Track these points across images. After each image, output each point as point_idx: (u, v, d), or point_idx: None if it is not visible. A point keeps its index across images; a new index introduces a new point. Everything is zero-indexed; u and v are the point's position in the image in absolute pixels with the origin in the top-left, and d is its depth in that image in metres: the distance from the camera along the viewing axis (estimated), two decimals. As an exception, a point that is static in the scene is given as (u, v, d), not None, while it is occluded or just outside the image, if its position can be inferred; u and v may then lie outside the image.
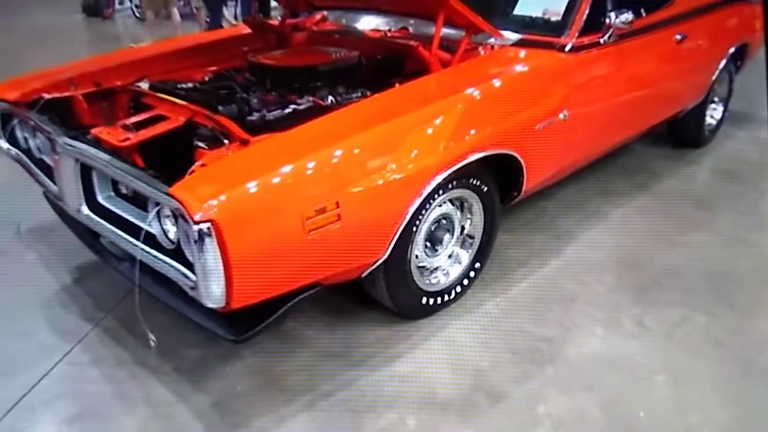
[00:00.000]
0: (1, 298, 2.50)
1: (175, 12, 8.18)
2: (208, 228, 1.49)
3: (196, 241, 1.51)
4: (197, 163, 1.77)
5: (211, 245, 1.50)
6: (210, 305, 1.61)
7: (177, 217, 1.62)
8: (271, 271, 1.65)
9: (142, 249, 1.75)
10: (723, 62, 3.80)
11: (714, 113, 4.22)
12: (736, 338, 2.28)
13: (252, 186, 1.61)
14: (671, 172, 3.79)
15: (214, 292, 1.58)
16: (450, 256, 2.40)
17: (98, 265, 2.67)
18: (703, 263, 2.77)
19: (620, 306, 2.46)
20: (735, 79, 4.24)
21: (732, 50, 3.84)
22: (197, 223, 1.48)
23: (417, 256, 2.22)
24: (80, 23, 10.28)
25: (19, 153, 2.54)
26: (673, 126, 4.06)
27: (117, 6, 10.74)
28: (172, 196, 1.56)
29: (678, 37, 3.20)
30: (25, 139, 2.53)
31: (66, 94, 2.48)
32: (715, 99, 4.16)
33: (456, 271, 2.40)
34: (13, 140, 2.58)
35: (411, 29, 2.86)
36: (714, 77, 3.79)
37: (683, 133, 4.11)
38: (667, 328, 2.33)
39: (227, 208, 1.54)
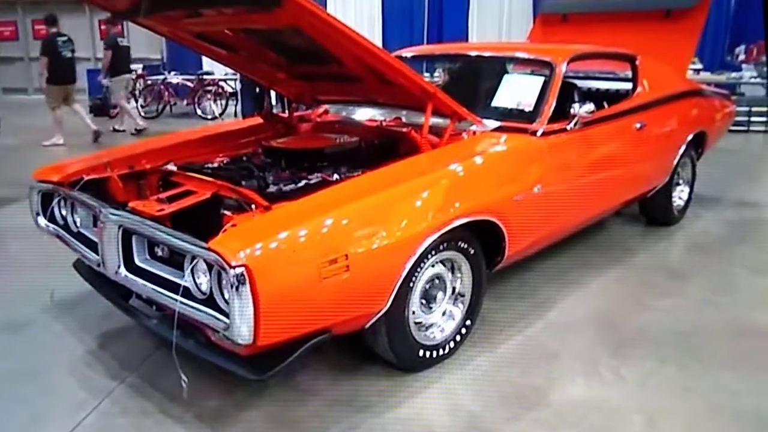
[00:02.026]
0: (33, 360, 2.72)
1: (123, 103, 8.90)
2: (243, 273, 1.78)
3: (233, 285, 1.79)
4: (228, 224, 2.08)
5: (244, 288, 1.79)
6: (240, 342, 1.86)
7: (212, 267, 1.92)
8: (291, 313, 1.93)
9: (181, 301, 2.02)
10: (683, 148, 4.25)
11: (681, 194, 4.65)
12: (704, 385, 2.53)
13: (277, 240, 1.94)
14: (645, 247, 4.14)
15: (243, 332, 1.85)
16: (444, 314, 2.68)
17: (121, 332, 2.93)
18: (673, 323, 3.05)
19: (598, 359, 2.71)
20: (697, 164, 4.68)
21: (690, 137, 4.30)
22: (233, 267, 1.78)
23: (414, 312, 2.49)
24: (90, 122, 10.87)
25: (57, 228, 2.84)
26: (644, 206, 4.47)
27: (123, 106, 11.40)
28: (210, 249, 1.87)
29: (637, 125, 3.66)
30: (63, 216, 2.85)
31: (103, 175, 2.83)
32: (680, 181, 4.59)
33: (450, 326, 2.67)
34: (50, 218, 2.89)
35: (403, 119, 3.29)
36: (675, 161, 4.22)
37: (654, 213, 4.50)
38: (641, 378, 2.58)
39: (257, 257, 1.84)
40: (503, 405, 2.38)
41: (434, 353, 2.59)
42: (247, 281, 1.79)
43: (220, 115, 10.60)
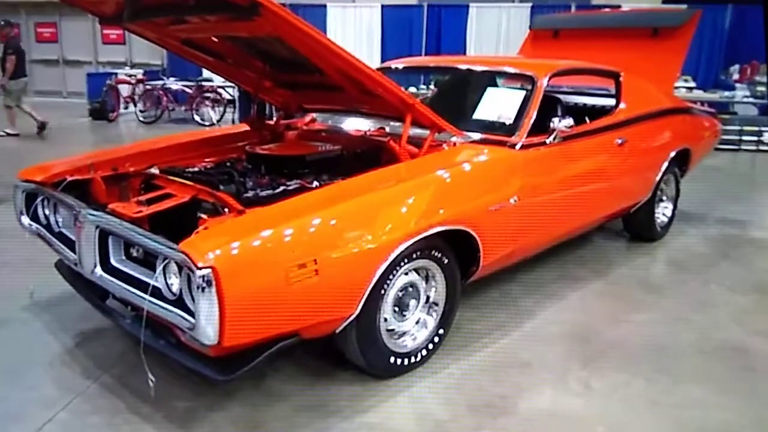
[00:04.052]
0: (10, 358, 2.75)
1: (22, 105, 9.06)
2: (209, 274, 1.82)
3: (199, 286, 1.83)
4: (201, 227, 2.12)
5: (210, 289, 1.83)
6: (206, 342, 1.90)
7: (182, 268, 1.96)
8: (258, 316, 1.96)
9: (150, 300, 2.06)
10: (665, 164, 4.30)
11: (665, 211, 4.69)
12: (670, 399, 2.56)
13: (245, 243, 1.97)
14: (626, 262, 4.19)
15: (209, 332, 1.88)
16: (417, 322, 2.71)
17: (98, 332, 2.97)
18: (647, 338, 3.09)
19: (569, 371, 2.74)
20: (681, 181, 4.73)
21: (673, 154, 4.35)
22: (200, 269, 1.82)
23: (386, 319, 2.53)
24: (86, 126, 10.98)
25: (39, 227, 2.88)
26: (627, 222, 4.52)
27: (122, 110, 11.49)
28: (179, 250, 1.90)
29: (618, 141, 3.71)
30: (46, 215, 2.89)
31: (86, 176, 2.87)
32: (664, 198, 4.64)
33: (422, 335, 2.70)
34: (33, 217, 2.93)
35: (387, 129, 3.34)
36: (658, 177, 4.27)
37: (637, 228, 4.55)
38: (609, 390, 2.61)
39: (225, 259, 1.88)
40: (470, 413, 2.41)
41: (406, 361, 2.62)
42: (214, 282, 1.83)
43: (218, 121, 10.66)
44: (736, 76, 10.45)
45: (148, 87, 11.35)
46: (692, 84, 10.23)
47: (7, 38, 9.10)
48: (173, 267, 2.05)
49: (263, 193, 2.51)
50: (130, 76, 11.88)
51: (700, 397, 2.57)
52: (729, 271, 4.04)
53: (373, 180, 2.51)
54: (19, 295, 3.15)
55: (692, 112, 4.89)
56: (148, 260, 2.27)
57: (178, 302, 2.04)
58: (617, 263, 4.13)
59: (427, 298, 2.73)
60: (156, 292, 2.10)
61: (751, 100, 9.60)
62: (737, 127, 9.04)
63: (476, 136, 3.08)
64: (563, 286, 3.66)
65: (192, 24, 2.62)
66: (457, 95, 3.90)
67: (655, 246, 4.52)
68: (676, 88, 10.05)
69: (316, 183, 2.73)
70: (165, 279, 2.10)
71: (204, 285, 1.83)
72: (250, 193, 2.49)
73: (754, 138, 9.11)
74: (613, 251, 4.37)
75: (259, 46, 2.87)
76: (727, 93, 9.78)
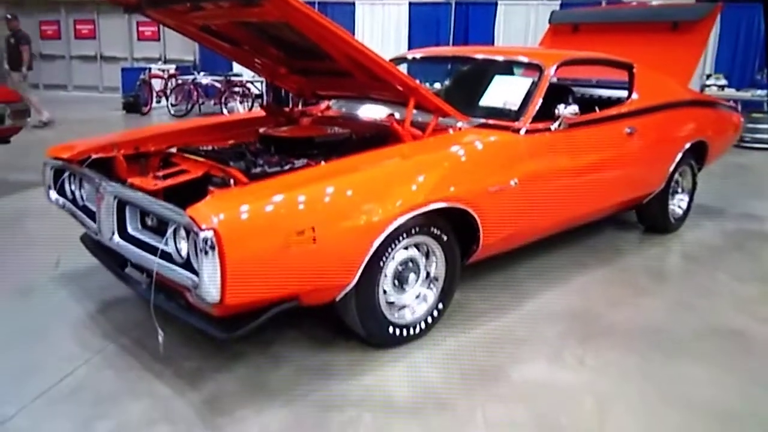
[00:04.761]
0: (36, 320, 2.96)
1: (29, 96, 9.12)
2: (212, 235, 1.97)
3: (202, 247, 1.98)
4: (207, 197, 2.28)
5: (212, 250, 1.98)
6: (209, 300, 2.05)
7: (189, 232, 2.11)
8: (258, 277, 2.10)
9: (158, 262, 2.22)
10: (679, 156, 4.31)
11: (680, 203, 4.69)
12: (663, 375, 2.62)
13: (247, 209, 2.12)
14: (636, 252, 4.22)
15: (212, 290, 2.03)
16: (417, 296, 2.82)
17: (119, 300, 3.16)
18: (647, 321, 3.14)
19: (565, 347, 2.82)
20: (698, 174, 4.73)
21: (687, 146, 4.36)
22: (203, 230, 1.97)
23: (386, 292, 2.65)
24: (120, 118, 11.36)
25: (66, 202, 3.08)
26: (641, 212, 4.54)
27: (154, 104, 11.86)
28: (185, 214, 2.06)
29: (627, 130, 3.75)
30: (72, 190, 3.09)
31: (110, 154, 3.06)
32: (679, 190, 4.65)
33: (422, 309, 2.81)
34: (60, 192, 3.14)
35: (397, 115, 3.44)
36: (671, 169, 4.28)
37: (650, 220, 4.57)
38: (603, 365, 2.69)
39: (227, 222, 2.03)
40: (463, 381, 2.51)
41: (405, 332, 2.73)
42: (216, 243, 1.98)
43: (246, 115, 10.91)
44: (772, 76, 10.28)
45: (179, 81, 11.70)
46: (723, 82, 10.10)
47: (16, 30, 9.48)
48: (182, 232, 2.21)
49: (271, 170, 2.65)
50: (162, 71, 12.25)
51: (691, 374, 2.63)
52: (738, 263, 4.05)
53: (374, 157, 2.63)
54: (48, 268, 3.36)
55: (711, 106, 4.88)
56: (161, 229, 2.43)
57: (187, 265, 2.20)
58: (627, 252, 4.17)
59: (428, 273, 2.84)
60: (167, 257, 2.26)
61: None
62: (769, 126, 8.90)
63: (480, 121, 3.18)
64: (569, 272, 3.72)
65: (207, 11, 2.78)
66: (467, 83, 4.00)
67: (669, 238, 4.54)
68: (708, 86, 10.00)
69: (323, 163, 2.86)
70: (175, 244, 2.26)
71: (207, 246, 1.98)
72: (258, 169, 2.64)
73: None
74: (624, 241, 4.41)
75: (271, 33, 3.01)
76: (759, 92, 9.62)
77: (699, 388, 2.53)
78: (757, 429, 2.29)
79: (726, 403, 2.43)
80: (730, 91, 9.68)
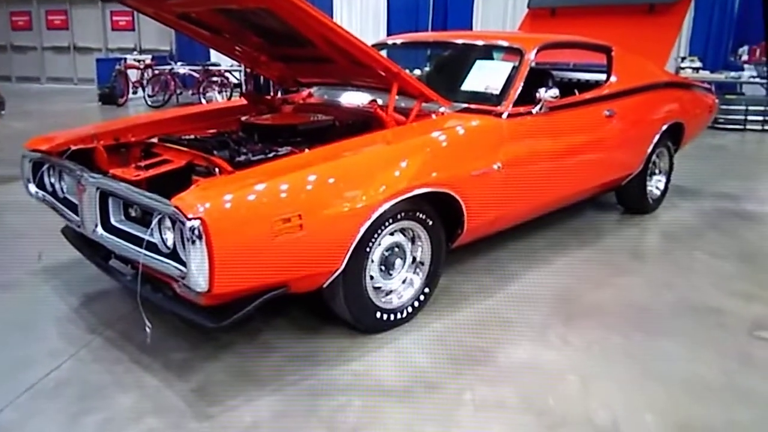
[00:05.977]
0: (21, 315, 2.94)
1: None
2: (199, 224, 1.97)
3: (189, 237, 1.98)
4: (192, 186, 2.27)
5: (199, 239, 1.97)
6: (197, 290, 2.04)
7: (174, 222, 2.10)
8: (246, 265, 2.11)
9: (144, 253, 2.21)
10: (656, 137, 4.37)
11: (658, 184, 4.77)
12: (644, 352, 2.68)
13: (232, 197, 2.12)
14: (616, 232, 4.30)
15: (200, 280, 2.03)
16: (404, 282, 2.84)
17: (102, 293, 3.14)
18: (627, 299, 3.21)
19: (549, 327, 2.87)
20: (675, 155, 4.81)
21: (664, 127, 4.42)
22: (190, 220, 1.96)
23: (372, 277, 2.66)
24: (96, 109, 11.19)
25: (45, 195, 3.04)
26: (620, 194, 4.61)
27: (131, 95, 11.68)
28: (170, 204, 2.05)
29: (606, 112, 3.80)
30: (51, 183, 3.05)
31: (89, 145, 3.02)
32: (657, 171, 4.72)
33: (408, 293, 2.83)
34: (40, 185, 3.09)
35: (380, 102, 3.44)
36: (649, 150, 4.35)
37: (629, 201, 4.64)
38: (586, 344, 2.74)
39: (212, 211, 2.02)
40: (450, 363, 2.55)
41: (392, 316, 2.75)
42: (203, 232, 1.97)
43: (225, 105, 10.81)
44: (745, 57, 10.41)
45: (156, 72, 11.54)
46: (698, 64, 10.22)
47: None
48: (167, 222, 2.20)
49: (255, 158, 2.64)
50: (138, 61, 12.06)
51: (671, 350, 2.69)
52: (715, 241, 4.13)
53: (358, 143, 2.64)
54: (30, 262, 3.32)
55: (687, 87, 4.96)
56: (145, 219, 2.41)
57: (173, 255, 2.19)
58: (607, 233, 4.24)
59: (414, 258, 2.86)
60: (152, 248, 2.25)
61: (758, 80, 9.56)
62: (743, 107, 9.04)
63: (463, 105, 3.20)
64: (551, 253, 3.77)
65: (186, -3, 2.75)
66: (449, 68, 4.01)
67: (647, 218, 4.62)
68: (682, 68, 10.11)
69: (307, 150, 2.85)
70: (160, 234, 2.25)
71: (194, 235, 1.97)
72: (242, 158, 2.63)
73: (760, 118, 9.10)
74: (604, 223, 4.48)
75: (251, 20, 2.99)
76: (733, 73, 9.76)
77: (678, 363, 2.59)
78: (734, 400, 2.36)
79: (705, 377, 2.49)
80: (705, 73, 9.80)
